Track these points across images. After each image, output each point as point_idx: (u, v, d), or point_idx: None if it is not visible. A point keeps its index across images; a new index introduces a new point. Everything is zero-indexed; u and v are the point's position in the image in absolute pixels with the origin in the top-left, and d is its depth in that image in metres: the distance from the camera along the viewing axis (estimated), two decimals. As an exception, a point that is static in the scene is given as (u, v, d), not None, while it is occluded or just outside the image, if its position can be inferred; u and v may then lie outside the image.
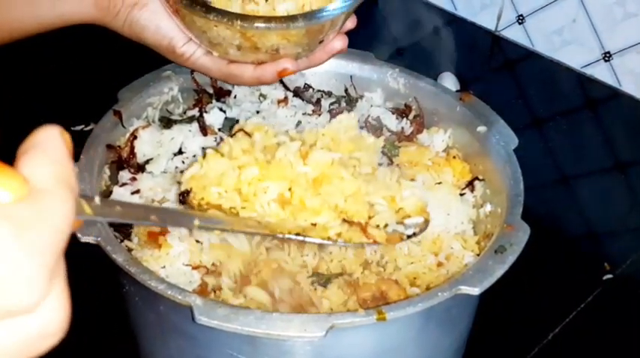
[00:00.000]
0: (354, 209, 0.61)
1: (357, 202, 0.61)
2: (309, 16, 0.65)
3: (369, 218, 0.62)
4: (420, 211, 0.65)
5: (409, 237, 0.64)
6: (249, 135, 0.64)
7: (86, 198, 0.37)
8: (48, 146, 0.32)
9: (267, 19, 0.64)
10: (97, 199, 0.38)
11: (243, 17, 0.63)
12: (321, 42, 0.70)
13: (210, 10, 0.63)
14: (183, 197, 0.60)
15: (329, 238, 0.60)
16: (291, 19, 0.65)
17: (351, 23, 0.72)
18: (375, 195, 0.63)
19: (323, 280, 0.64)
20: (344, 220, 0.61)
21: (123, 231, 0.67)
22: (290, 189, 0.60)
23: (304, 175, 0.60)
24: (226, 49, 0.68)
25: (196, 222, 0.52)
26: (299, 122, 0.77)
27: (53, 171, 0.31)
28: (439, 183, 0.75)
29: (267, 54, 0.68)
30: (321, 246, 0.66)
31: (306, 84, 0.84)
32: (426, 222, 0.65)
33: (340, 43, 0.73)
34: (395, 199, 0.64)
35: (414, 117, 0.82)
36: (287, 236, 0.59)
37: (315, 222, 0.60)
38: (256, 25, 0.63)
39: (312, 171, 0.60)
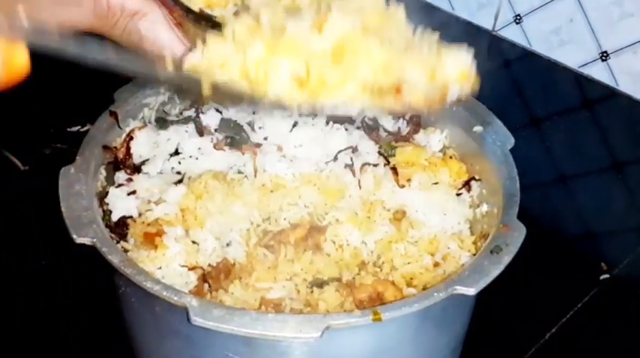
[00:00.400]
0: (386, 82, 0.51)
1: (389, 75, 0.51)
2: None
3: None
4: (465, 78, 0.55)
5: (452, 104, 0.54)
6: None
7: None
8: None
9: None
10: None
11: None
12: None
13: (215, 26, 0.60)
14: None
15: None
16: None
17: None
18: (412, 68, 0.52)
19: (319, 282, 0.64)
20: (372, 89, 0.51)
21: (119, 232, 0.67)
22: (307, 67, 0.51)
23: (322, 49, 0.51)
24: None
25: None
26: (295, 123, 0.77)
27: None
28: (436, 183, 0.75)
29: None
30: (317, 249, 0.66)
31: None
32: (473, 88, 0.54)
33: None
34: (435, 74, 0.54)
35: (411, 117, 0.82)
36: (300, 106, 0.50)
37: (339, 100, 0.51)
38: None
39: (331, 42, 0.51)
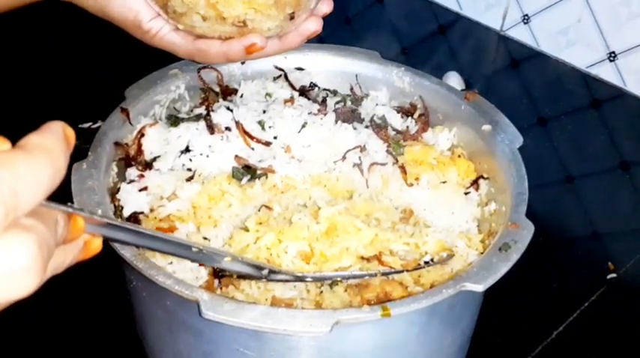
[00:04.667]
0: (372, 253, 0.64)
1: (376, 248, 0.65)
2: None
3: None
4: (442, 250, 0.67)
5: (427, 263, 0.65)
6: (269, 208, 0.67)
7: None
8: (44, 129, 0.36)
9: None
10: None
11: None
12: (292, 19, 0.68)
13: None
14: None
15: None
16: None
17: (326, 7, 0.70)
18: (397, 243, 0.65)
19: (329, 282, 0.65)
20: (362, 257, 0.64)
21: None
22: (310, 246, 0.63)
23: (319, 231, 0.64)
24: (192, 19, 0.67)
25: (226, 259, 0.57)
26: (305, 124, 0.77)
27: (38, 141, 0.35)
28: (444, 181, 0.75)
29: (234, 27, 0.67)
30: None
31: (311, 82, 0.85)
32: (450, 256, 0.66)
33: (314, 24, 0.70)
34: (418, 245, 0.66)
35: (419, 115, 0.82)
36: (307, 276, 0.62)
37: (338, 268, 0.63)
38: None
39: (325, 225, 0.64)
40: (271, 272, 0.60)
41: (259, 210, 0.68)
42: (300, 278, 0.62)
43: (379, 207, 0.70)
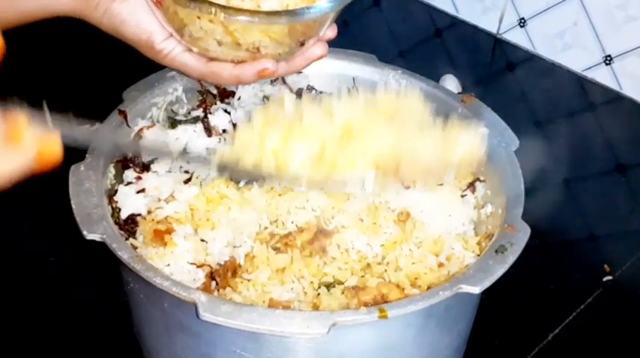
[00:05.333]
0: (392, 161, 0.59)
1: (396, 154, 0.59)
2: (293, 13, 0.65)
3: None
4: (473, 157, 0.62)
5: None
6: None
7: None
8: None
9: (252, 13, 0.63)
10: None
11: (227, 9, 0.63)
12: (302, 44, 0.69)
13: (194, 0, 0.62)
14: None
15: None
16: (275, 14, 0.64)
17: (331, 32, 0.72)
18: (421, 148, 0.60)
19: (326, 285, 0.65)
20: (377, 166, 0.60)
21: (128, 229, 0.68)
22: (322, 148, 0.58)
23: (333, 132, 0.60)
24: (207, 44, 0.67)
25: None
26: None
27: None
28: (440, 184, 0.75)
29: (247, 52, 0.67)
30: (322, 252, 0.67)
31: (309, 85, 0.85)
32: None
33: (320, 49, 0.71)
34: (445, 153, 0.61)
35: (416, 118, 0.82)
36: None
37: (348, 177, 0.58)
38: (240, 17, 0.62)
39: (340, 125, 0.60)
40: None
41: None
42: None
43: (405, 105, 0.65)
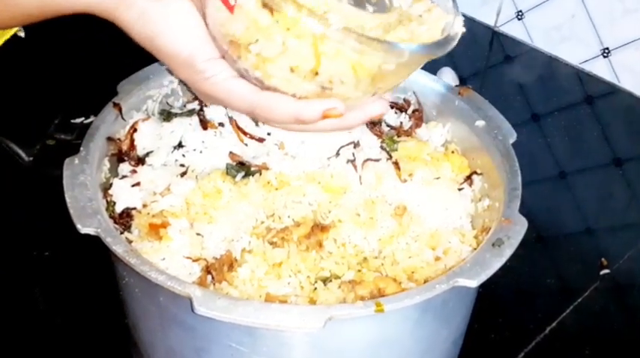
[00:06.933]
0: None
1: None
2: (417, 45, 0.54)
3: None
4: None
5: None
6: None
7: None
8: None
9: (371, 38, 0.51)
10: None
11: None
12: (373, 94, 0.58)
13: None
14: None
15: None
16: (388, 41, 0.52)
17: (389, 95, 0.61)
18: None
19: (323, 279, 0.65)
20: None
21: (123, 223, 0.68)
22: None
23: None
24: (277, 67, 0.53)
25: None
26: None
27: None
28: (438, 177, 0.75)
29: (317, 88, 0.54)
30: (319, 247, 0.67)
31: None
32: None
33: (381, 107, 0.59)
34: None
35: (413, 111, 0.82)
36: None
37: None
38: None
39: None
40: None
41: None
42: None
43: None
